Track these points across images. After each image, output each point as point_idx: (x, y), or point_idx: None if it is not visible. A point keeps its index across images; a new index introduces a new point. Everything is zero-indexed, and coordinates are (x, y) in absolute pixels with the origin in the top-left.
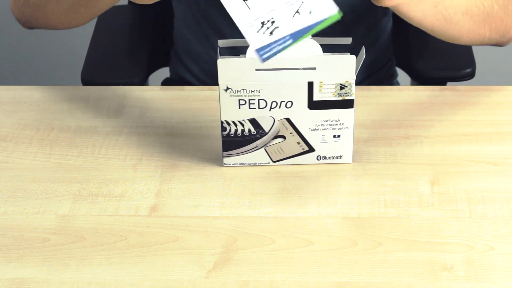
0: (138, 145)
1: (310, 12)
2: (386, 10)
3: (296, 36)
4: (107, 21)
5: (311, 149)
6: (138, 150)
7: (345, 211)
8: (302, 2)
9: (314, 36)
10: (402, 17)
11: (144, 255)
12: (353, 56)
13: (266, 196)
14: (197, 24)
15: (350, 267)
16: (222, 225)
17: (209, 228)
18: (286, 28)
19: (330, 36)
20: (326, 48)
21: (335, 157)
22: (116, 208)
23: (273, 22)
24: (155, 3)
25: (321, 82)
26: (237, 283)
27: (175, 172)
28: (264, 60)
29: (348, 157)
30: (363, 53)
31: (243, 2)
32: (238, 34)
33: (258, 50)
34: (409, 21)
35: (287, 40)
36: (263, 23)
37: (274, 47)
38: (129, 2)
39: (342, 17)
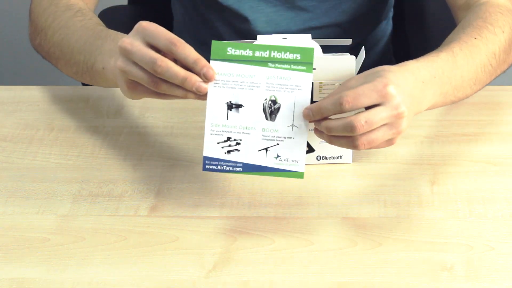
0: (138, 145)
1: (277, 157)
2: (386, 14)
3: (249, 168)
4: (107, 21)
5: (311, 149)
6: (138, 150)
7: (345, 211)
8: (277, 143)
9: (313, 37)
10: None
11: (144, 255)
12: (353, 57)
13: (266, 196)
14: (196, 28)
15: (350, 267)
16: (222, 225)
17: (209, 228)
18: (245, 156)
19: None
20: (326, 49)
21: (335, 157)
22: (116, 208)
23: (237, 143)
24: (155, 4)
25: (321, 83)
26: (237, 283)
27: (175, 172)
28: (205, 169)
29: (348, 157)
30: (362, 53)
31: (227, 109)
32: (237, 39)
33: (205, 158)
34: None
35: (237, 167)
36: (228, 139)
37: (221, 165)
38: (129, 2)
39: (342, 24)
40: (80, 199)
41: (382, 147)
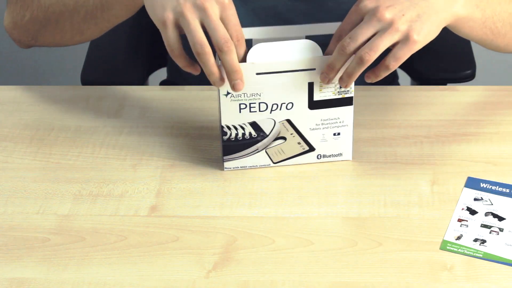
0: (138, 145)
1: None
2: None
3: None
4: None
5: (311, 149)
6: (138, 150)
7: (345, 211)
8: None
9: (313, 38)
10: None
11: (144, 255)
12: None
13: (266, 196)
14: None
15: (350, 267)
16: (222, 225)
17: (209, 228)
18: None
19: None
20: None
21: (335, 155)
22: (116, 208)
23: None
24: None
25: (321, 82)
26: (237, 283)
27: (175, 172)
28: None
29: (348, 155)
30: None
31: None
32: None
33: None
34: (456, 33)
35: None
36: None
37: None
38: None
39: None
40: (80, 199)
41: (402, 54)
